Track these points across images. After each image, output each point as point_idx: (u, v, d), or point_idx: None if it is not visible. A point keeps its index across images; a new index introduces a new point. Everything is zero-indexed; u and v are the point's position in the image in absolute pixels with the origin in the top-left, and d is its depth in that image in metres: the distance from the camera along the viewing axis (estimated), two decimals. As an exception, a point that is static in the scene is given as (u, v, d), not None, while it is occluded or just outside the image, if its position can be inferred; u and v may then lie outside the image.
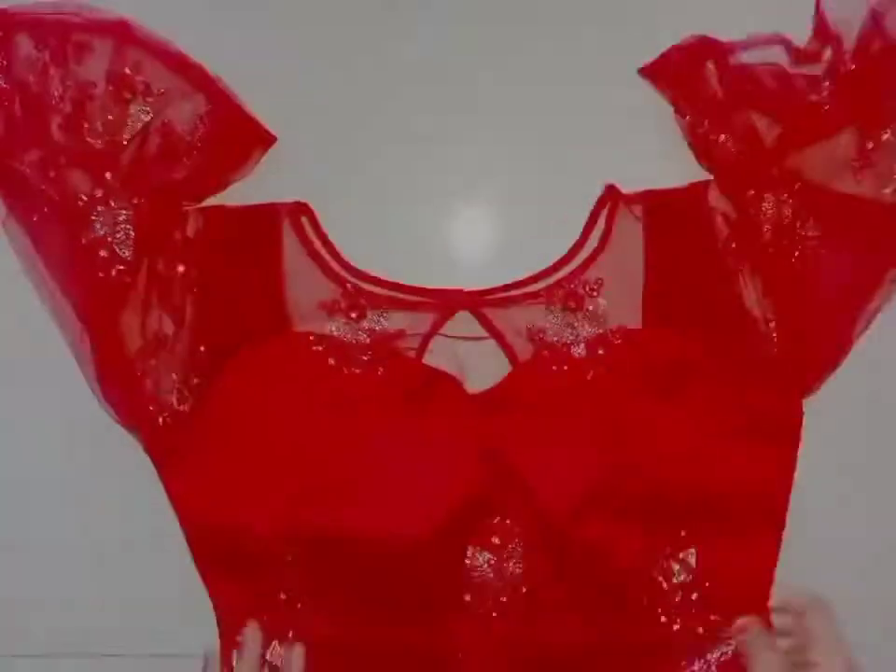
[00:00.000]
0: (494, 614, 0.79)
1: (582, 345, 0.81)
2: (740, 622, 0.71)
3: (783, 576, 0.79)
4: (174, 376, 0.82)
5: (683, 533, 0.79)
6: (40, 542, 0.84)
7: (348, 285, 0.83)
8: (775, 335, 0.81)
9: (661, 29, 0.86)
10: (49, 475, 0.84)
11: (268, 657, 0.78)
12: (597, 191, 0.85)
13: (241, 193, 0.85)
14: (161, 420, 0.81)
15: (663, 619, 0.79)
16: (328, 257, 0.84)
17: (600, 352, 0.81)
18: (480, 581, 0.79)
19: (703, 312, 0.81)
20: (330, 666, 0.79)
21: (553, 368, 0.81)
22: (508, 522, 0.80)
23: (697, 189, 0.83)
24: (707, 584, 0.79)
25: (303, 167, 0.87)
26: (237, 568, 0.80)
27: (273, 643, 0.78)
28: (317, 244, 0.85)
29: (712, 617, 0.79)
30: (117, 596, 0.83)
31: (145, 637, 0.83)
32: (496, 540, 0.80)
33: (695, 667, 0.79)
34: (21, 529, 0.84)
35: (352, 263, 0.84)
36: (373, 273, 0.84)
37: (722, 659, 0.79)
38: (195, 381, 0.81)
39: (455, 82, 0.89)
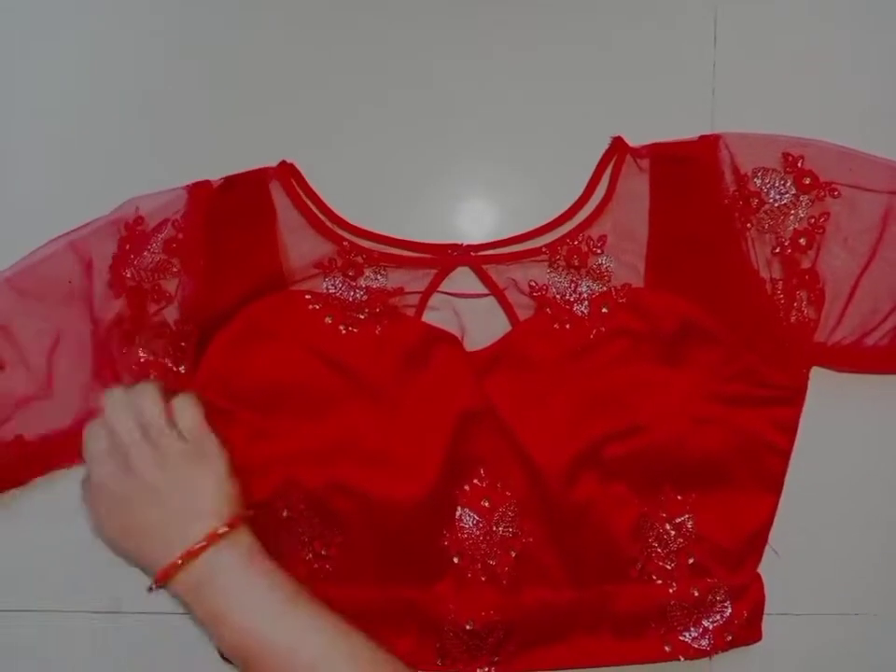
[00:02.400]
0: (482, 578, 0.79)
1: (586, 303, 0.79)
2: None
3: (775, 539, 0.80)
4: (165, 344, 0.80)
5: (679, 497, 0.79)
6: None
7: (344, 242, 0.81)
8: (781, 297, 0.79)
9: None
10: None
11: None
12: (605, 144, 0.82)
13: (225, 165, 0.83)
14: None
15: (658, 582, 0.78)
16: (321, 215, 0.82)
17: (604, 311, 0.79)
18: (469, 543, 0.78)
19: (707, 271, 0.79)
20: None
21: (555, 326, 0.79)
22: (499, 485, 0.79)
23: (707, 142, 0.80)
24: (702, 549, 0.78)
25: (291, 124, 0.85)
26: None
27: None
28: (308, 202, 0.82)
29: (707, 580, 0.78)
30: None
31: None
32: (485, 503, 0.79)
33: (693, 635, 0.78)
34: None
35: (346, 219, 0.82)
36: (369, 229, 0.81)
37: (717, 625, 0.78)
38: (183, 344, 0.80)
39: (459, 27, 0.85)
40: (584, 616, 0.79)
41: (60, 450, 0.80)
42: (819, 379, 0.79)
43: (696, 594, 0.78)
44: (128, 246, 0.81)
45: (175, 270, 0.81)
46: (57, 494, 0.82)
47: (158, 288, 0.81)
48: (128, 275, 0.81)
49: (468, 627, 0.78)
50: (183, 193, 0.82)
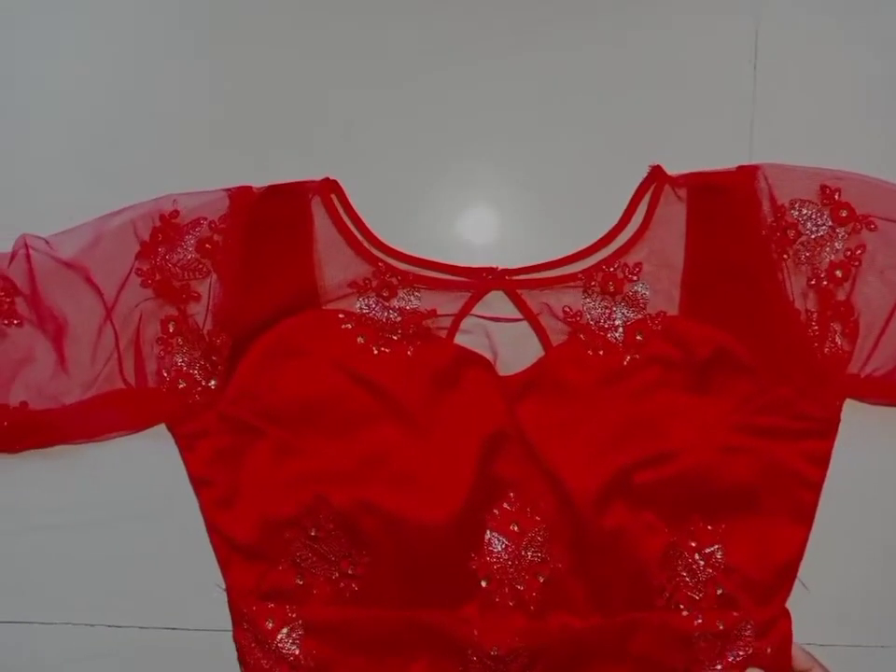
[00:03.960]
0: (510, 603, 0.78)
1: (621, 330, 0.79)
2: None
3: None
4: (198, 354, 0.80)
5: (710, 527, 0.78)
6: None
7: (380, 263, 0.81)
8: (816, 328, 0.78)
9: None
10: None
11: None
12: (643, 172, 0.82)
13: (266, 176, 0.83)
14: (191, 399, 0.80)
15: (684, 613, 0.78)
16: (359, 234, 0.82)
17: (638, 338, 0.79)
18: (497, 568, 0.78)
19: (743, 301, 0.79)
20: (342, 651, 0.78)
21: (589, 352, 0.79)
22: (529, 509, 0.78)
23: (745, 173, 0.80)
24: (731, 580, 0.78)
25: (330, 144, 0.85)
26: (256, 551, 0.79)
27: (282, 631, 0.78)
28: (348, 221, 0.82)
29: (734, 613, 0.77)
30: (134, 572, 0.83)
31: (160, 611, 0.83)
32: (514, 528, 0.78)
33: (718, 668, 0.78)
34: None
35: (383, 241, 0.82)
36: (405, 251, 0.81)
37: (740, 660, 0.78)
38: (214, 358, 0.80)
39: (488, 56, 0.86)
40: (608, 645, 0.78)
41: (61, 424, 0.80)
42: (852, 411, 0.79)
43: (722, 627, 0.77)
44: (160, 237, 0.82)
45: (206, 271, 0.81)
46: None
47: (188, 288, 0.81)
48: (158, 265, 0.81)
49: (493, 653, 0.77)
50: (224, 196, 0.82)
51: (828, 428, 0.78)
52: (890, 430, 0.81)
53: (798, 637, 0.78)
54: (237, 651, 0.80)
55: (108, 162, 0.86)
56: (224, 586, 0.80)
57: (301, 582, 0.79)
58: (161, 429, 0.81)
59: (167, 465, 0.81)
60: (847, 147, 0.83)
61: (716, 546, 0.78)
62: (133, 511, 0.82)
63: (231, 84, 0.86)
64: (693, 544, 0.78)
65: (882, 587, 0.81)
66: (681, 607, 0.78)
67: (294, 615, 0.78)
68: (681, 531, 0.78)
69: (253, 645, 0.79)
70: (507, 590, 0.78)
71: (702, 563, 0.78)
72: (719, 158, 0.81)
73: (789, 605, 0.78)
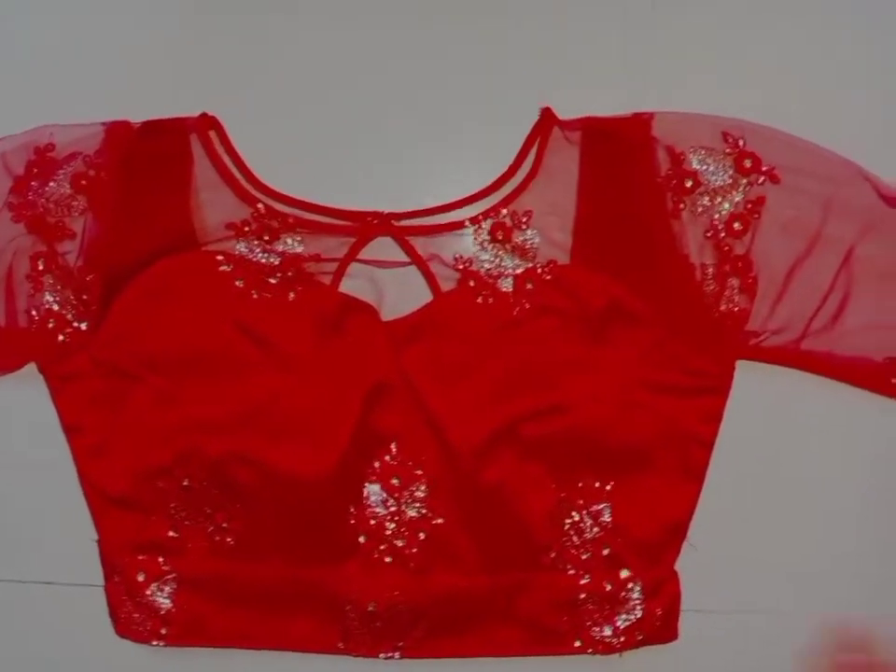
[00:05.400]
0: (388, 559, 0.76)
1: (510, 279, 0.76)
2: None
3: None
4: (69, 293, 0.77)
5: (598, 485, 0.76)
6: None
7: (260, 205, 0.78)
8: (712, 283, 0.76)
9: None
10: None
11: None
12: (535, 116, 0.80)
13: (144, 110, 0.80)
14: (60, 338, 0.77)
15: (571, 572, 0.76)
16: (238, 175, 0.79)
17: (528, 287, 0.76)
18: (375, 523, 0.76)
19: (636, 252, 0.76)
20: (218, 607, 0.76)
21: (479, 300, 0.76)
22: (411, 462, 0.76)
23: (641, 119, 0.78)
24: (618, 540, 0.76)
25: (211, 80, 0.83)
26: (129, 502, 0.76)
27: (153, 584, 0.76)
28: (227, 160, 0.79)
29: (622, 574, 0.75)
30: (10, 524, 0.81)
31: (37, 565, 0.80)
32: (395, 482, 0.76)
33: (605, 633, 0.76)
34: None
35: (264, 181, 0.79)
36: (287, 193, 0.79)
37: (630, 623, 0.76)
38: (84, 297, 0.77)
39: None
40: (495, 605, 0.76)
41: None
42: (744, 369, 0.77)
43: (609, 588, 0.75)
44: (35, 170, 0.78)
45: (81, 208, 0.78)
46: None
47: (62, 225, 0.78)
48: (31, 200, 0.78)
49: (370, 609, 0.75)
50: (100, 130, 0.79)
51: (721, 385, 0.76)
52: (784, 389, 0.79)
53: (686, 603, 0.76)
54: (108, 604, 0.77)
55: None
56: (97, 538, 0.77)
57: (176, 535, 0.76)
58: (33, 376, 0.78)
59: (39, 412, 0.78)
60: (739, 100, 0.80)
61: (604, 504, 0.76)
62: (3, 461, 0.80)
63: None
64: (581, 501, 0.76)
65: (770, 549, 0.79)
66: (568, 566, 0.76)
67: (167, 568, 0.76)
68: (570, 487, 0.76)
69: (124, 598, 0.76)
70: (385, 546, 0.76)
71: (589, 521, 0.76)
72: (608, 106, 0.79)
73: (678, 567, 0.76)
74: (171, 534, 0.76)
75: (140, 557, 0.76)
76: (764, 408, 0.79)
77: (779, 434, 0.79)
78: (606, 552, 0.76)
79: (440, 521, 0.76)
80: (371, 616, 0.75)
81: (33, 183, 0.78)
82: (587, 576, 0.75)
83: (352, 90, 0.82)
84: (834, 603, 0.78)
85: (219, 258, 0.77)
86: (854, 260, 0.76)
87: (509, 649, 0.76)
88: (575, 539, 0.76)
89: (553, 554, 0.76)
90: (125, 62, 0.84)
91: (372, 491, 0.76)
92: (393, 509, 0.76)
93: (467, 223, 0.77)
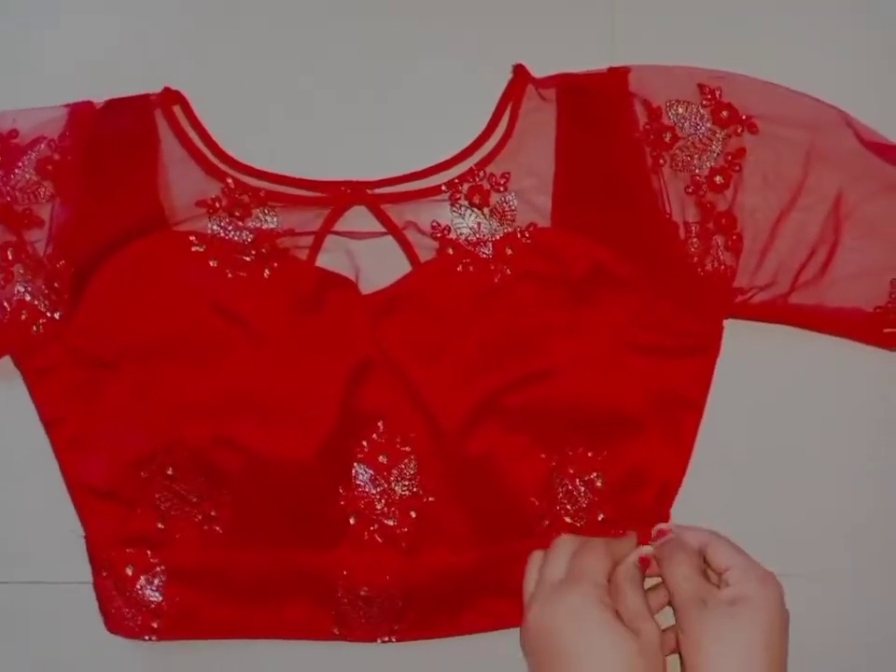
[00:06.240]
0: (379, 539, 0.74)
1: (490, 245, 0.75)
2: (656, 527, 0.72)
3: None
4: (40, 283, 0.75)
5: (590, 454, 0.74)
6: None
7: (229, 180, 0.76)
8: (696, 242, 0.74)
9: None
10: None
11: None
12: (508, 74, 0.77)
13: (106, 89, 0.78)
14: (34, 329, 0.75)
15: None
16: (206, 150, 0.77)
17: (508, 252, 0.74)
18: (365, 503, 0.74)
19: (617, 212, 0.74)
20: (209, 598, 0.75)
21: (458, 268, 0.74)
22: (398, 439, 0.74)
23: (617, 74, 0.76)
24: (612, 505, 0.74)
25: (171, 53, 0.80)
26: (114, 494, 0.75)
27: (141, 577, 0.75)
28: (193, 135, 0.77)
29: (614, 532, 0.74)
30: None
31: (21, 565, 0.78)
32: (383, 460, 0.74)
33: None
34: None
35: (232, 155, 0.77)
36: (256, 166, 0.76)
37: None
38: (56, 285, 0.75)
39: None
40: (487, 579, 0.74)
41: None
42: (733, 330, 0.75)
43: None
44: (0, 159, 0.76)
45: (48, 195, 0.76)
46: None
47: (29, 213, 0.75)
48: None
49: (362, 593, 0.73)
50: (63, 112, 0.77)
51: (709, 345, 0.75)
52: (774, 350, 0.77)
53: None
54: (97, 600, 0.75)
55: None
56: (83, 533, 0.75)
57: (163, 526, 0.74)
58: (9, 370, 0.76)
59: (17, 406, 0.76)
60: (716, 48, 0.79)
61: (596, 473, 0.74)
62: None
63: None
64: (572, 471, 0.74)
65: (763, 511, 0.77)
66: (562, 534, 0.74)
67: (156, 560, 0.74)
68: (560, 457, 0.74)
69: (113, 593, 0.75)
70: (375, 527, 0.74)
71: (583, 489, 0.74)
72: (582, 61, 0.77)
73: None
74: (158, 525, 0.74)
75: (128, 550, 0.74)
76: (754, 368, 0.77)
77: (770, 394, 0.78)
78: (600, 517, 0.74)
79: (430, 499, 0.74)
80: (365, 601, 0.74)
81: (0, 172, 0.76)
82: None
83: (318, 54, 0.80)
84: (831, 565, 0.77)
85: (192, 238, 0.75)
86: (840, 208, 0.74)
87: (505, 621, 0.74)
88: (569, 506, 0.74)
89: (546, 523, 0.74)
90: (80, 41, 0.81)
91: (360, 470, 0.74)
92: (382, 487, 0.74)
93: (443, 188, 0.75)
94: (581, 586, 0.67)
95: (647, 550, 0.72)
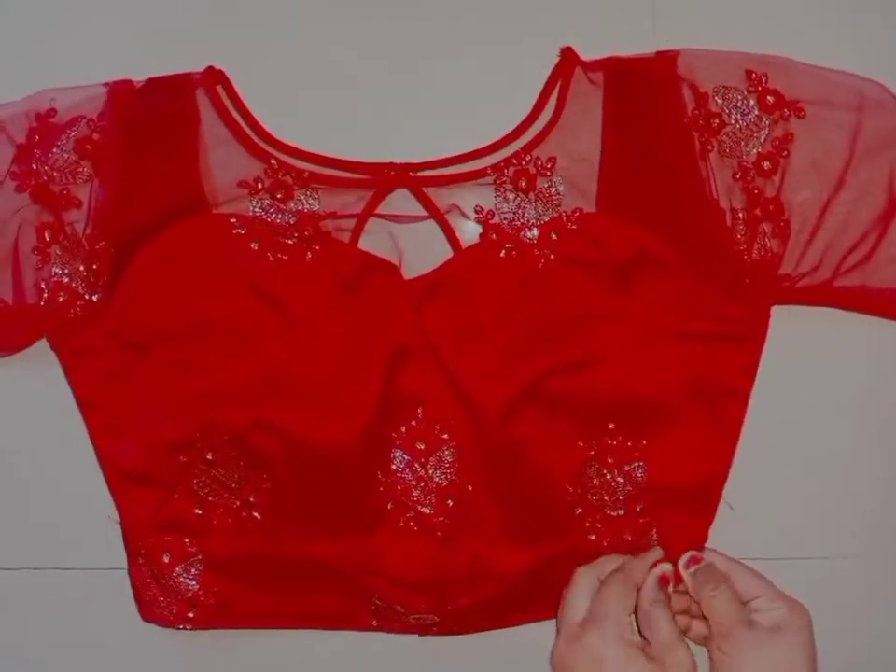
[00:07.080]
0: (414, 527, 0.73)
1: (535, 230, 0.73)
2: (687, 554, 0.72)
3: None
4: (78, 264, 0.74)
5: (630, 444, 0.73)
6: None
7: (272, 160, 0.75)
8: (743, 228, 0.73)
9: None
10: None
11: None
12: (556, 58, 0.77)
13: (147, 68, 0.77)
14: (72, 312, 0.74)
15: (591, 537, 0.74)
16: (249, 130, 0.76)
17: (553, 237, 0.73)
18: (401, 489, 0.73)
19: (663, 197, 0.73)
20: (246, 589, 0.74)
21: (501, 254, 0.73)
22: (437, 426, 0.73)
23: (665, 58, 0.74)
24: (651, 497, 0.73)
25: (215, 32, 0.80)
26: (150, 479, 0.74)
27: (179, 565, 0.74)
28: (236, 115, 0.76)
29: (653, 535, 0.74)
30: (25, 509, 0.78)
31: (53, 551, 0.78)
32: (420, 447, 0.73)
33: None
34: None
35: (275, 136, 0.76)
36: (300, 147, 0.75)
37: None
38: (95, 267, 0.74)
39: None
40: (520, 569, 0.73)
41: None
42: (780, 317, 0.74)
43: (630, 539, 0.74)
44: (37, 138, 0.75)
45: (86, 175, 0.75)
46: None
47: (67, 193, 0.74)
48: (34, 169, 0.75)
49: (398, 609, 0.73)
50: (102, 91, 0.76)
51: (755, 334, 0.73)
52: (820, 337, 0.76)
53: (734, 552, 0.73)
54: (132, 587, 0.75)
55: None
56: (118, 519, 0.74)
57: (200, 512, 0.74)
58: (45, 354, 0.75)
59: (53, 391, 0.75)
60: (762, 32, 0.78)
61: (636, 464, 0.73)
62: (17, 444, 0.77)
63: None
64: (611, 460, 0.73)
65: (809, 501, 0.77)
66: (598, 526, 0.73)
67: (193, 549, 0.74)
68: (599, 446, 0.73)
69: (149, 581, 0.74)
70: (412, 514, 0.73)
71: (621, 480, 0.73)
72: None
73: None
74: (196, 511, 0.73)
75: (166, 538, 0.73)
76: (802, 357, 0.76)
77: (816, 380, 0.77)
78: (639, 508, 0.73)
79: (468, 488, 0.73)
80: (399, 614, 0.73)
81: (35, 151, 0.75)
82: (607, 538, 0.74)
83: (363, 36, 0.79)
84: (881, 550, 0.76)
85: (233, 220, 0.73)
86: (892, 189, 0.73)
87: (544, 614, 0.74)
88: (606, 497, 0.73)
89: (579, 510, 0.73)
90: (123, 17, 0.80)
91: (398, 456, 0.73)
92: (420, 474, 0.73)
93: (489, 171, 0.74)
94: (600, 626, 0.67)
95: (666, 568, 0.71)
